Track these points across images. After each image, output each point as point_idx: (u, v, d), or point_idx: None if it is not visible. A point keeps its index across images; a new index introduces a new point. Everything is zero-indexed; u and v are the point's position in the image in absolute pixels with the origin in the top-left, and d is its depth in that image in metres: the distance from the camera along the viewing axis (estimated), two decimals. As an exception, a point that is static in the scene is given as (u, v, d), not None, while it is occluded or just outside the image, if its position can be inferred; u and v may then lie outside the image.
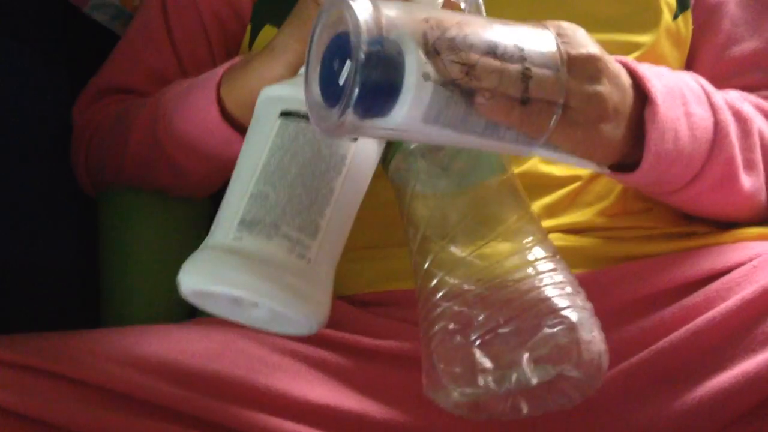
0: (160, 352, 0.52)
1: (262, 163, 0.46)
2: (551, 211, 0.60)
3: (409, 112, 0.40)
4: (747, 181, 0.57)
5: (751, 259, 0.55)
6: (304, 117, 0.46)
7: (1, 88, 0.69)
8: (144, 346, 0.52)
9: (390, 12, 0.40)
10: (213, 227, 0.48)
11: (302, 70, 0.44)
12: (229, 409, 0.51)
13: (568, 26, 0.47)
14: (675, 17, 0.65)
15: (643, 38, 0.63)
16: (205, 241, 0.48)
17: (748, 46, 0.67)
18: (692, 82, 0.57)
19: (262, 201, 0.46)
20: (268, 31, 0.68)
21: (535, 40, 0.44)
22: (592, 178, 0.61)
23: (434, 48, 0.40)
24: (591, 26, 0.62)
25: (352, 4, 0.40)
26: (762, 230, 0.59)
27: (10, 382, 0.47)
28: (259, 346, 0.56)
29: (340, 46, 0.40)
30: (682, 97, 0.53)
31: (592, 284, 0.55)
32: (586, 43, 0.47)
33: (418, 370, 0.55)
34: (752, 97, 0.63)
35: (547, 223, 0.59)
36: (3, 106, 0.68)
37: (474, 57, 0.41)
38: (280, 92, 0.49)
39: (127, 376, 0.49)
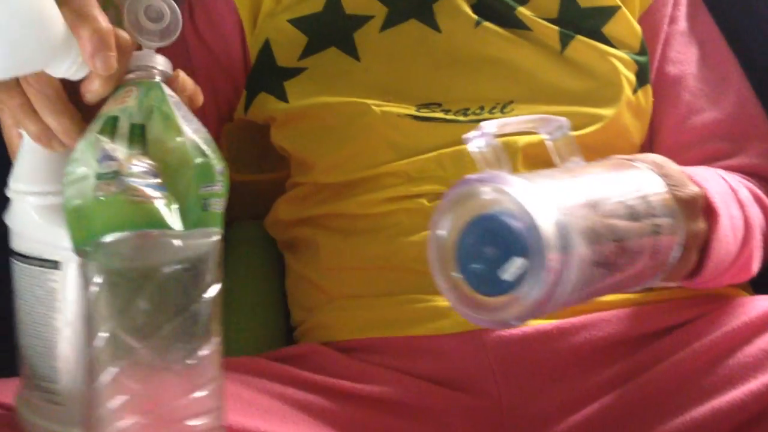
0: None
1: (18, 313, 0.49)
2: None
3: (572, 291, 0.39)
4: (756, 265, 0.61)
5: (702, 314, 0.60)
6: (15, 254, 0.47)
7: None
8: None
9: (547, 193, 0.39)
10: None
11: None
12: None
13: (664, 164, 0.50)
14: (635, 91, 0.70)
15: (606, 111, 0.68)
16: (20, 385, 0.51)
17: (708, 116, 0.72)
18: (722, 182, 0.60)
19: (23, 354, 0.49)
20: (262, 98, 0.73)
21: (652, 190, 0.46)
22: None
23: (593, 229, 0.40)
24: (557, 99, 0.69)
25: (514, 192, 0.38)
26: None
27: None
28: (249, 390, 0.60)
29: (491, 233, 0.39)
30: (726, 203, 0.57)
31: (556, 334, 0.60)
32: (686, 181, 0.50)
33: (396, 412, 0.60)
34: (737, 177, 0.66)
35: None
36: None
37: (622, 228, 0.42)
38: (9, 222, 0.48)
39: None
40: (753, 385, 0.54)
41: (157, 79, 0.47)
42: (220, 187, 0.46)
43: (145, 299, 0.42)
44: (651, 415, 0.56)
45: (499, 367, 0.59)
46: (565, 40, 0.70)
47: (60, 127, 0.46)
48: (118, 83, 0.46)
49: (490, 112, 0.68)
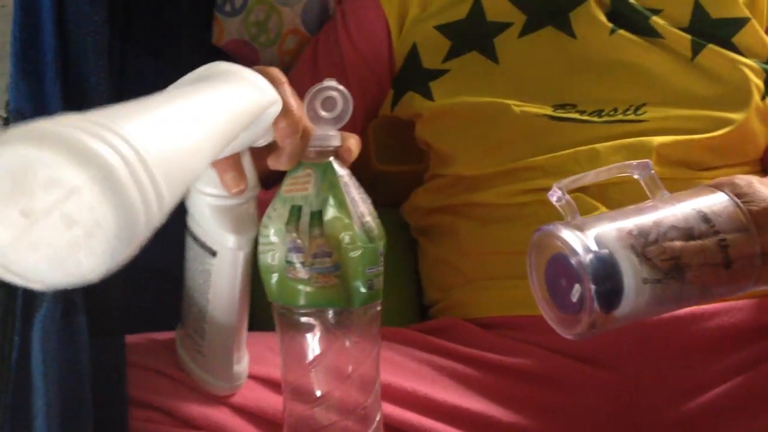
0: None
1: (184, 274, 0.59)
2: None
3: (635, 304, 0.48)
4: None
5: None
6: (189, 231, 0.56)
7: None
8: None
9: (596, 232, 0.48)
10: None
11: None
12: (384, 407, 0.61)
13: (742, 183, 0.52)
14: (763, 98, 0.74)
15: (735, 116, 0.72)
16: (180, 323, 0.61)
17: None
18: None
19: (184, 306, 0.60)
20: (410, 96, 0.80)
21: (718, 209, 0.50)
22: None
23: (644, 255, 0.47)
24: (688, 103, 0.73)
25: (567, 237, 0.48)
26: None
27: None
28: (399, 355, 0.67)
29: (560, 268, 0.49)
30: None
31: (689, 319, 0.65)
32: (764, 196, 0.51)
33: (539, 384, 0.66)
34: None
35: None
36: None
37: (677, 248, 0.48)
38: (188, 205, 0.56)
39: None
40: None
41: (330, 159, 0.54)
42: (381, 267, 0.55)
43: None
44: None
45: (635, 347, 0.64)
46: (696, 48, 0.75)
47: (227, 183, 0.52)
48: (299, 160, 0.53)
49: (623, 113, 0.73)
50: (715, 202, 0.51)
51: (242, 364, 0.60)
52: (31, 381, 0.50)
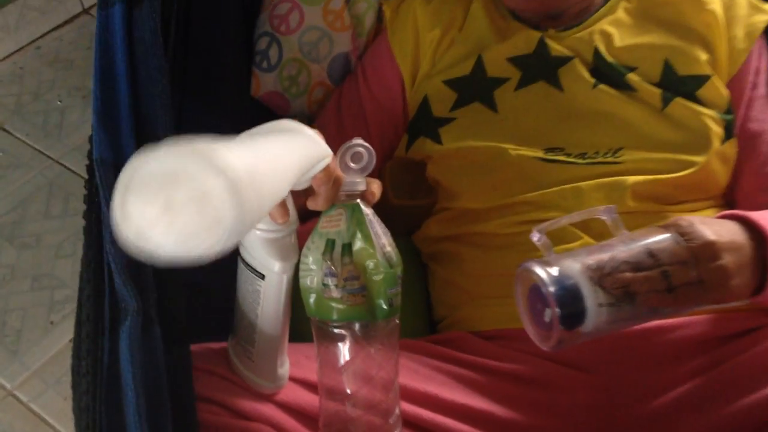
0: None
1: (236, 295, 0.69)
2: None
3: (596, 323, 0.59)
4: None
5: None
6: (242, 259, 0.66)
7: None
8: None
9: (563, 267, 0.60)
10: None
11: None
12: (401, 405, 0.72)
13: (685, 224, 0.62)
14: (723, 143, 0.85)
15: (698, 158, 0.83)
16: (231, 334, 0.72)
17: None
18: None
19: (237, 320, 0.70)
20: (422, 141, 0.93)
21: (663, 246, 0.61)
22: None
23: (600, 284, 0.59)
24: (658, 147, 0.85)
25: (538, 271, 0.59)
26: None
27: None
28: (414, 363, 0.79)
29: (536, 295, 0.61)
30: None
31: (656, 330, 0.77)
32: (701, 234, 0.61)
33: (531, 386, 0.77)
34: None
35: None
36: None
37: (627, 278, 0.59)
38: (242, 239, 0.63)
39: None
40: None
41: (358, 200, 0.65)
42: (399, 288, 0.65)
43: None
44: (734, 393, 0.72)
45: (610, 354, 0.76)
46: (666, 101, 0.86)
47: (274, 215, 0.62)
48: (333, 202, 0.64)
49: (603, 156, 0.85)
50: (661, 239, 0.62)
51: (284, 368, 0.71)
52: (121, 379, 0.62)
